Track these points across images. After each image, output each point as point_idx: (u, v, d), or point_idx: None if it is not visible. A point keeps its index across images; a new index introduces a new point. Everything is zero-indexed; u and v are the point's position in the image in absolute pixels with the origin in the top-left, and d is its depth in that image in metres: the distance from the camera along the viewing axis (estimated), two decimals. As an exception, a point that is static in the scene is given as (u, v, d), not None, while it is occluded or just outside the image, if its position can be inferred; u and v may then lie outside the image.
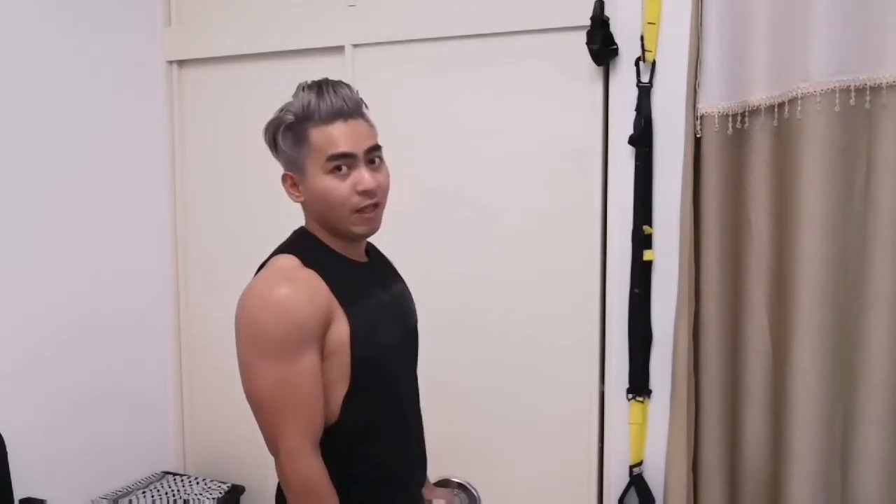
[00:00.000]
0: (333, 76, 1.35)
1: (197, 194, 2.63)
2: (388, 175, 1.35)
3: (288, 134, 1.30)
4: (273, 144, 1.34)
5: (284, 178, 1.34)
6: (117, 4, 2.44)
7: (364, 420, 1.32)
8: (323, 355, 1.26)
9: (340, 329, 1.26)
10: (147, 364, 2.59)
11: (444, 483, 1.71)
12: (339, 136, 1.28)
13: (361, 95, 1.36)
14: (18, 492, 2.10)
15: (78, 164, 2.33)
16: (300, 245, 1.34)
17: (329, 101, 1.28)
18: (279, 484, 1.33)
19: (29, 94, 2.19)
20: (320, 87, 1.29)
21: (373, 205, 1.30)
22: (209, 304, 2.60)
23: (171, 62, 2.60)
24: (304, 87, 1.31)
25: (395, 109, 2.28)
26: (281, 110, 1.33)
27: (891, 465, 1.79)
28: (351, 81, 2.25)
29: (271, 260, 1.32)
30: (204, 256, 2.62)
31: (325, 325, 1.25)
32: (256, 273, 1.34)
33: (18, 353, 2.17)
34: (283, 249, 1.34)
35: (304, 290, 1.24)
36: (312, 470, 1.25)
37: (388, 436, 1.37)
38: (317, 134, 1.28)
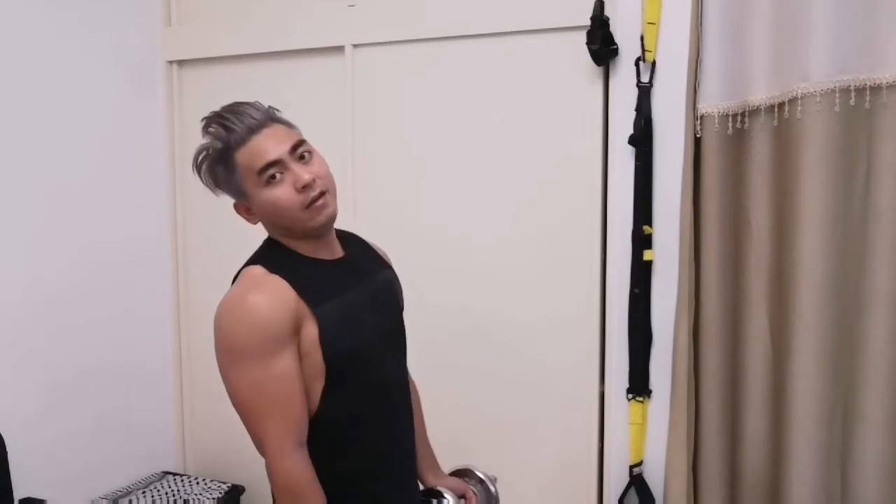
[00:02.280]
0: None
1: (196, 194, 2.62)
2: (322, 162, 1.36)
3: (217, 169, 1.34)
4: (214, 184, 1.37)
5: (237, 207, 1.39)
6: (117, 4, 2.44)
7: (345, 412, 1.35)
8: (300, 355, 1.30)
9: (310, 329, 1.30)
10: (148, 365, 2.59)
11: (464, 472, 1.67)
12: (258, 148, 1.31)
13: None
14: (18, 492, 2.09)
15: (78, 164, 2.33)
16: (267, 254, 1.38)
17: (235, 125, 1.31)
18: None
19: (29, 93, 2.19)
20: (221, 117, 1.32)
21: (319, 194, 1.32)
22: (210, 305, 2.58)
23: (171, 62, 2.60)
24: (209, 126, 1.34)
25: (395, 109, 2.29)
26: (198, 153, 1.36)
27: (891, 465, 1.79)
28: (351, 81, 2.31)
29: (242, 272, 1.37)
30: (203, 258, 2.62)
31: (296, 327, 1.29)
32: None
33: (19, 353, 2.17)
34: (251, 261, 1.38)
35: (269, 295, 1.28)
36: (296, 468, 1.28)
37: (373, 425, 1.39)
38: (240, 157, 1.31)
